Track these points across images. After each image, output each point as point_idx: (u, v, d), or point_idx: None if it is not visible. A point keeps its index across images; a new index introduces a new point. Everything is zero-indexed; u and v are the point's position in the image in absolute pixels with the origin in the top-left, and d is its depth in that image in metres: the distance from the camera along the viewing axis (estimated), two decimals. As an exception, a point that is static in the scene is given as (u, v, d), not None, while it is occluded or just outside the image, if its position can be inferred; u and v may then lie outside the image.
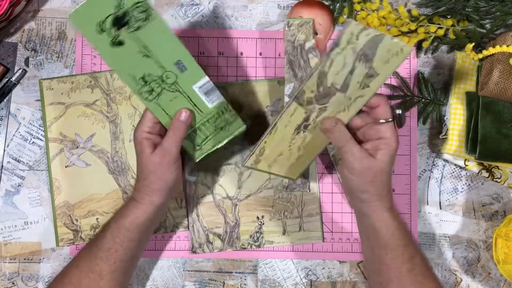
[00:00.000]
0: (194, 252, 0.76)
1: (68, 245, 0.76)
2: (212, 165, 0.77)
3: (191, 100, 0.64)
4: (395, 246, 0.62)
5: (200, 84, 0.64)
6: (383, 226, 0.62)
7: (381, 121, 0.60)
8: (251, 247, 0.76)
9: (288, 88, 0.72)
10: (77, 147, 0.77)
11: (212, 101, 0.65)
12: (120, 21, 0.59)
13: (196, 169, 0.77)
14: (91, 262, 0.64)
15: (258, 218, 0.77)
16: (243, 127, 0.67)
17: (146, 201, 0.65)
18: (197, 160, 0.68)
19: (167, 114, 0.64)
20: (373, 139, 0.61)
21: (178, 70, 0.62)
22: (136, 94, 0.63)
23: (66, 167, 0.77)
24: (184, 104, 0.64)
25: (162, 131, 0.66)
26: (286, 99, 0.73)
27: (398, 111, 0.60)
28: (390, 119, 0.60)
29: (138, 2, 0.58)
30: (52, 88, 0.78)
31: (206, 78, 0.64)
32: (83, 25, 0.59)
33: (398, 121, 0.61)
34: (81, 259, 0.66)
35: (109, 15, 0.58)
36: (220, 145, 0.68)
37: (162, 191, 0.65)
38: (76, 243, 0.76)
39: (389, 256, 0.62)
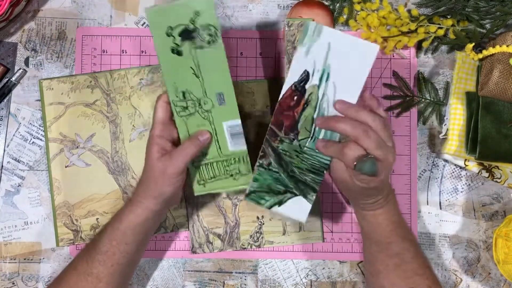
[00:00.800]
0: (194, 252, 0.76)
1: (68, 245, 0.76)
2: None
3: (216, 134, 0.64)
4: (379, 241, 0.64)
5: (231, 124, 0.64)
6: (365, 225, 0.65)
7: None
8: (251, 247, 0.76)
9: None
10: (77, 147, 0.77)
11: (234, 145, 0.64)
12: (187, 34, 0.61)
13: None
14: (89, 265, 0.64)
15: (258, 218, 0.77)
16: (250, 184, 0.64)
17: (142, 205, 0.64)
18: (196, 194, 0.67)
19: (189, 134, 0.64)
20: None
21: (217, 102, 0.63)
22: (171, 103, 0.63)
23: (66, 167, 0.77)
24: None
25: (173, 136, 0.64)
26: None
27: (356, 164, 0.57)
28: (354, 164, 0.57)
29: (210, 25, 0.60)
30: (52, 88, 0.78)
31: (239, 121, 0.63)
32: (155, 23, 0.61)
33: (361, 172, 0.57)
34: (79, 261, 0.66)
35: (181, 25, 0.60)
36: (222, 190, 0.67)
37: (159, 199, 0.64)
38: (76, 243, 0.76)
39: (375, 249, 0.65)
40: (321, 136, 0.61)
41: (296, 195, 0.62)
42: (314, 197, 0.62)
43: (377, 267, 0.65)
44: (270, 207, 0.63)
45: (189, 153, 0.62)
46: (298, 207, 0.62)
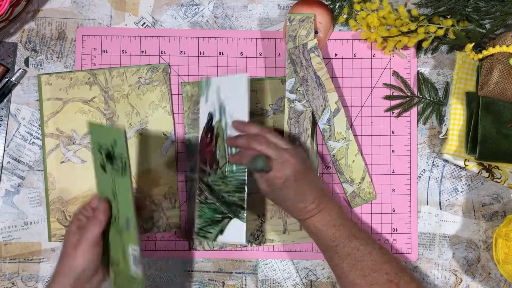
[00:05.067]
0: (194, 249, 0.76)
1: (60, 241, 0.76)
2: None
3: (124, 253, 0.66)
4: (326, 247, 0.67)
5: (133, 248, 0.65)
6: (309, 232, 0.68)
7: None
8: (251, 245, 0.76)
9: (289, 84, 0.73)
10: (73, 143, 0.77)
11: (134, 267, 0.65)
12: (109, 157, 0.65)
13: (197, 168, 0.77)
14: None
15: (258, 216, 0.77)
16: None
17: (58, 283, 0.63)
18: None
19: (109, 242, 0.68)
20: None
21: (125, 225, 0.65)
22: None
23: (61, 162, 0.77)
24: (120, 249, 0.66)
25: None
26: (287, 94, 0.73)
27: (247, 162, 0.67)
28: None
29: (122, 155, 0.63)
30: (51, 84, 0.78)
31: (138, 248, 0.64)
32: (93, 137, 0.67)
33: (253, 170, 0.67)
34: None
35: (107, 147, 0.65)
36: None
37: (70, 274, 0.63)
38: None
39: (326, 256, 0.68)
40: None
41: (231, 218, 0.69)
42: (245, 214, 0.69)
43: (335, 271, 0.67)
44: (215, 238, 0.71)
45: (98, 225, 0.65)
46: (235, 230, 0.69)
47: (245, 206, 0.69)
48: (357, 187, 0.75)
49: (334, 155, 0.75)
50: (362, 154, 0.77)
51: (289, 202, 0.66)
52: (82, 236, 0.64)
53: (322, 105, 0.73)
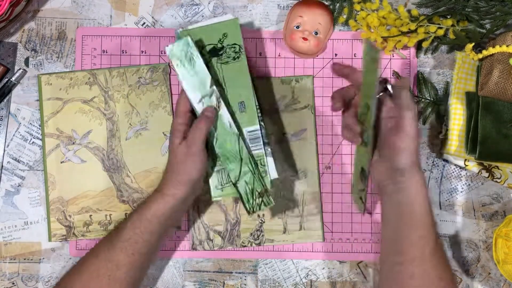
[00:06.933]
0: (194, 249, 0.76)
1: (60, 241, 0.76)
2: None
3: (238, 138, 0.68)
4: (425, 225, 0.61)
5: (250, 129, 0.69)
6: (420, 202, 0.61)
7: (380, 94, 0.63)
8: (251, 245, 0.77)
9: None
10: (73, 143, 0.77)
11: (253, 149, 0.69)
12: (216, 52, 0.69)
13: None
14: (110, 251, 0.65)
15: (259, 216, 0.77)
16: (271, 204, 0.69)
17: (170, 192, 0.65)
18: (213, 200, 0.70)
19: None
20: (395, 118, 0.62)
21: (239, 109, 0.69)
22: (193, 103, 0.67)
23: (61, 162, 0.77)
24: (233, 142, 0.68)
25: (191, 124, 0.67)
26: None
27: (386, 85, 0.63)
28: (381, 93, 0.62)
29: (235, 44, 0.70)
30: (51, 84, 0.78)
31: (257, 127, 0.69)
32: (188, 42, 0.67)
33: (389, 94, 0.62)
34: (100, 248, 0.66)
35: (210, 44, 0.69)
36: (237, 195, 0.69)
37: (187, 183, 0.65)
38: (68, 239, 0.76)
39: (417, 234, 0.60)
40: None
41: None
42: (268, 149, 0.69)
43: (413, 254, 0.60)
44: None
45: (203, 129, 0.65)
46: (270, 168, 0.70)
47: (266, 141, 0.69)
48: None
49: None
50: None
51: (413, 145, 0.60)
52: (192, 143, 0.64)
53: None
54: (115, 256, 0.64)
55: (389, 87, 0.63)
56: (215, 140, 0.68)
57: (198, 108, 0.67)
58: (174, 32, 0.72)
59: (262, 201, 0.69)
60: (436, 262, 0.61)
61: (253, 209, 0.69)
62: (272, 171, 0.70)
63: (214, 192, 0.69)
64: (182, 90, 0.67)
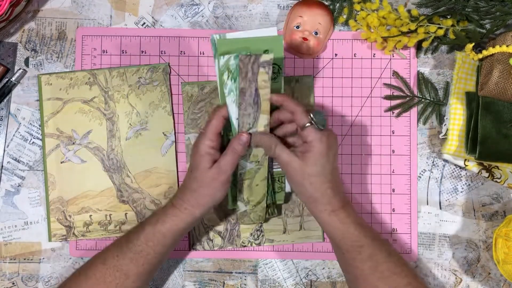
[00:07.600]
0: (194, 249, 0.76)
1: (60, 241, 0.76)
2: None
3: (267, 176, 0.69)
4: (350, 247, 0.64)
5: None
6: (331, 229, 0.65)
7: (307, 125, 0.63)
8: (251, 245, 0.77)
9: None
10: (73, 143, 0.77)
11: (277, 167, 0.70)
12: None
13: None
14: (119, 261, 0.65)
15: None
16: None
17: (188, 211, 0.65)
18: (229, 207, 0.72)
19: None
20: (301, 145, 0.65)
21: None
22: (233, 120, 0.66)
23: (61, 162, 0.77)
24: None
25: (220, 146, 0.67)
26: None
27: (311, 115, 0.63)
28: (308, 124, 0.63)
29: (275, 64, 0.65)
30: (51, 84, 0.78)
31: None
32: (222, 51, 0.64)
33: (316, 124, 0.63)
34: (108, 255, 0.66)
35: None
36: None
37: (206, 206, 0.66)
38: (68, 239, 0.76)
39: (347, 256, 0.64)
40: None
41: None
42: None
43: (353, 273, 0.65)
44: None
45: (235, 158, 0.64)
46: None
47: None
48: (250, 208, 0.72)
49: (241, 174, 0.69)
50: (269, 181, 0.72)
51: (332, 181, 0.64)
52: (222, 171, 0.64)
53: (249, 124, 0.65)
54: (125, 266, 0.65)
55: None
56: (245, 176, 0.69)
57: (236, 123, 0.66)
58: (210, 38, 0.66)
59: (267, 211, 0.73)
60: (380, 276, 0.63)
61: (258, 219, 0.73)
62: (288, 187, 0.72)
63: (232, 204, 0.71)
64: (216, 108, 0.66)
